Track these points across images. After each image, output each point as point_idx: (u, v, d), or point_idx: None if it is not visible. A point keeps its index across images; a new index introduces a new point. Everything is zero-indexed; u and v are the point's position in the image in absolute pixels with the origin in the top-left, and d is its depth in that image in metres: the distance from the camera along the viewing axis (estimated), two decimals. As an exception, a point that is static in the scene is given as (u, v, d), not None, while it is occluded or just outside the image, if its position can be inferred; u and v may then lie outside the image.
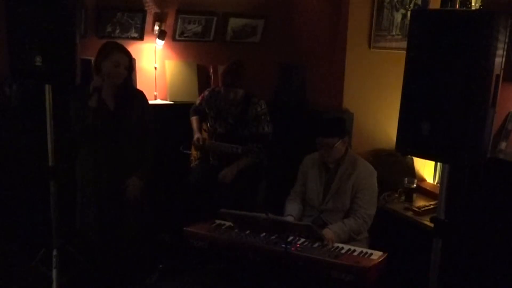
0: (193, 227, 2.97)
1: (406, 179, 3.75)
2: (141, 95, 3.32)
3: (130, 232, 3.32)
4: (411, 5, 4.01)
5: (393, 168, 3.95)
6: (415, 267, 3.07)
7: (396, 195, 3.81)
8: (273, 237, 2.84)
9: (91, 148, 3.15)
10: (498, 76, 2.18)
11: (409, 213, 3.55)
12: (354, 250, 2.75)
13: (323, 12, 4.32)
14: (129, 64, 3.16)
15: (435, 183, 4.03)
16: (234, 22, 4.57)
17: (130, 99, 3.22)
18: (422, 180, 4.10)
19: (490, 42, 2.10)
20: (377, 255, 2.68)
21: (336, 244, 2.81)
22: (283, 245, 2.64)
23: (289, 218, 3.11)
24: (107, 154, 3.13)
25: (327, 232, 2.89)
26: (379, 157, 4.00)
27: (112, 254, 3.37)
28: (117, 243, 3.33)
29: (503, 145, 3.03)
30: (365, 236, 3.16)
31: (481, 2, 3.73)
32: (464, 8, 3.81)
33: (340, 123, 3.26)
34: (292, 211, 3.21)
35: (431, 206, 3.51)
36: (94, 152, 3.14)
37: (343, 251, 2.72)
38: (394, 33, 4.04)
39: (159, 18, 4.31)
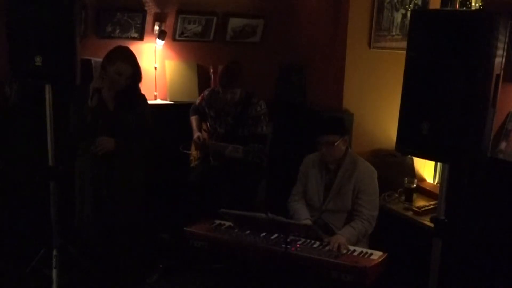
0: (193, 227, 2.97)
1: (406, 179, 3.75)
2: (142, 99, 3.33)
3: (126, 231, 3.33)
4: (411, 5, 4.01)
5: (393, 168, 3.94)
6: (415, 267, 3.07)
7: (396, 195, 3.81)
8: (273, 237, 2.84)
9: (88, 146, 3.15)
10: (498, 76, 2.18)
11: (409, 213, 3.54)
12: (354, 250, 2.75)
13: (323, 12, 4.32)
14: (133, 73, 3.16)
15: (435, 183, 4.03)
16: (234, 22, 4.57)
17: (131, 101, 3.22)
18: (422, 180, 4.10)
19: (490, 42, 2.10)
20: (377, 255, 2.68)
21: (351, 247, 2.81)
22: (283, 245, 2.64)
23: (308, 222, 3.09)
24: (104, 155, 3.13)
25: (339, 238, 2.86)
26: (379, 157, 4.00)
27: (110, 253, 3.38)
28: (114, 242, 3.34)
29: (503, 145, 3.03)
30: (366, 236, 3.16)
31: (481, 2, 3.73)
32: (464, 8, 3.81)
33: (340, 122, 3.26)
34: (305, 214, 3.17)
35: (431, 206, 3.51)
36: (91, 151, 3.14)
37: (343, 251, 2.72)
38: (394, 33, 4.04)
39: (159, 18, 4.31)
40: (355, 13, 3.97)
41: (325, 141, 3.10)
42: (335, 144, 3.09)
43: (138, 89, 3.32)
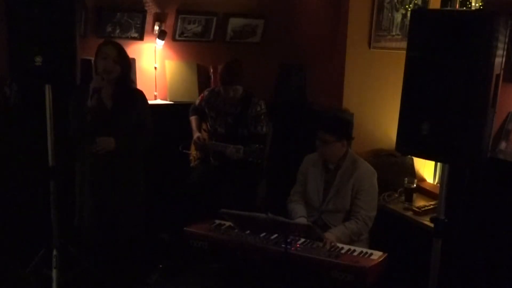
0: (193, 227, 2.97)
1: (406, 179, 3.75)
2: (139, 95, 3.33)
3: (126, 231, 3.33)
4: (411, 5, 4.02)
5: (393, 168, 3.95)
6: (415, 267, 3.07)
7: (396, 195, 3.81)
8: (273, 237, 2.84)
9: (88, 146, 3.15)
10: (498, 76, 2.18)
11: (409, 213, 3.55)
12: (354, 250, 2.75)
13: (323, 12, 4.32)
14: (119, 57, 3.12)
15: (435, 183, 4.03)
16: (234, 22, 4.57)
17: (128, 98, 3.22)
18: (422, 180, 4.10)
19: (490, 42, 2.10)
20: (377, 255, 2.68)
21: (337, 244, 2.81)
22: (283, 245, 2.64)
23: (302, 220, 3.10)
24: (105, 155, 3.13)
25: (329, 236, 2.89)
26: (379, 157, 4.00)
27: (110, 253, 3.38)
28: (114, 242, 3.34)
29: (503, 145, 3.03)
30: (365, 236, 3.16)
31: (481, 2, 3.73)
32: (464, 8, 3.81)
33: (341, 125, 3.22)
34: (302, 212, 3.20)
35: (431, 206, 3.51)
36: (91, 151, 3.14)
37: (343, 251, 2.72)
38: (394, 33, 4.04)
39: (159, 18, 4.31)
40: (355, 13, 3.96)
41: (321, 138, 3.11)
42: (331, 143, 3.09)
43: (131, 80, 3.29)
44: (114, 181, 3.22)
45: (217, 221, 3.06)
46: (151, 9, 4.28)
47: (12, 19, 2.92)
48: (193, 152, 3.87)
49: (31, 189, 3.79)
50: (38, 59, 2.88)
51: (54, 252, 3.21)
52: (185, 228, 2.96)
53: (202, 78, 4.55)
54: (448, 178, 2.46)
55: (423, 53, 2.25)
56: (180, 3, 4.36)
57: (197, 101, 3.93)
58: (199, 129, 3.88)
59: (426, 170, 4.13)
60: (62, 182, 3.27)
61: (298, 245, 2.76)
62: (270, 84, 4.71)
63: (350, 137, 3.22)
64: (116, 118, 3.16)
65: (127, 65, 3.23)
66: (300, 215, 3.16)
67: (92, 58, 3.85)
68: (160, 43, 4.30)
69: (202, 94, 3.93)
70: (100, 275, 3.34)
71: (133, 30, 4.22)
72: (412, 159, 4.04)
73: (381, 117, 4.13)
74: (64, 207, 3.31)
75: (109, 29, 4.11)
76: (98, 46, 3.17)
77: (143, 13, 4.21)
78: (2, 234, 3.76)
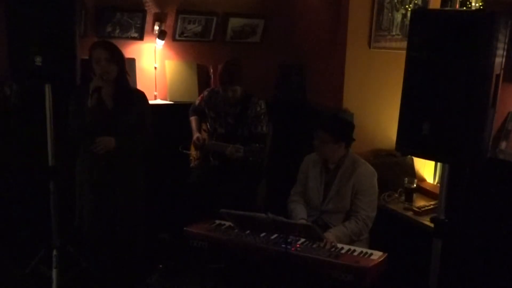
0: (193, 227, 2.97)
1: (406, 179, 3.75)
2: (140, 95, 3.33)
3: (126, 231, 3.33)
4: (411, 5, 4.02)
5: (393, 168, 3.95)
6: (415, 267, 3.07)
7: (396, 195, 3.81)
8: (273, 237, 2.84)
9: (88, 146, 3.15)
10: (498, 76, 2.18)
11: (409, 213, 3.55)
12: (354, 250, 2.75)
13: (323, 12, 4.32)
14: (112, 56, 3.09)
15: (435, 183, 4.03)
16: (234, 22, 4.57)
17: (129, 98, 3.22)
18: (422, 180, 4.10)
19: (490, 42, 2.10)
20: (377, 255, 2.68)
21: (337, 244, 2.81)
22: (283, 245, 2.64)
23: (302, 220, 3.10)
24: (105, 154, 3.13)
25: (329, 236, 2.89)
26: (379, 157, 4.00)
27: (110, 253, 3.38)
28: (114, 242, 3.34)
29: (503, 145, 3.03)
30: (365, 236, 3.16)
31: (481, 2, 3.73)
32: (464, 8, 3.81)
33: (342, 125, 3.20)
34: (302, 213, 3.19)
35: (431, 206, 3.51)
36: (91, 151, 3.14)
37: (343, 251, 2.72)
38: (394, 33, 4.04)
39: (159, 18, 4.31)
40: (355, 13, 3.96)
41: (318, 135, 3.11)
42: (328, 143, 3.08)
43: (128, 79, 3.29)
44: (114, 181, 3.22)
45: (217, 221, 3.06)
46: (151, 9, 4.28)
47: (12, 19, 2.92)
48: (193, 152, 3.87)
49: (31, 189, 3.79)
50: (38, 59, 2.89)
51: (54, 252, 3.21)
52: (185, 228, 2.96)
53: (202, 78, 4.56)
54: (448, 178, 2.46)
55: (423, 53, 2.25)
56: (180, 3, 4.36)
57: (197, 101, 3.92)
58: (199, 129, 3.87)
59: (426, 170, 4.13)
60: (62, 182, 3.27)
61: (298, 245, 2.76)
62: (270, 84, 4.71)
63: (350, 140, 3.19)
64: (116, 118, 3.16)
65: (122, 61, 3.21)
66: (300, 215, 3.17)
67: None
68: (160, 43, 4.30)
69: (201, 94, 3.93)
70: (100, 275, 3.34)
71: (133, 30, 4.22)
72: (412, 159, 4.04)
73: (381, 117, 4.12)
74: (64, 207, 3.31)
75: (109, 29, 4.11)
76: (89, 50, 3.14)
77: (143, 13, 4.21)
78: (2, 234, 3.76)
